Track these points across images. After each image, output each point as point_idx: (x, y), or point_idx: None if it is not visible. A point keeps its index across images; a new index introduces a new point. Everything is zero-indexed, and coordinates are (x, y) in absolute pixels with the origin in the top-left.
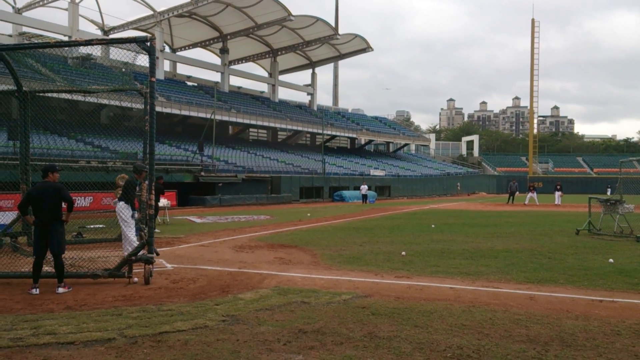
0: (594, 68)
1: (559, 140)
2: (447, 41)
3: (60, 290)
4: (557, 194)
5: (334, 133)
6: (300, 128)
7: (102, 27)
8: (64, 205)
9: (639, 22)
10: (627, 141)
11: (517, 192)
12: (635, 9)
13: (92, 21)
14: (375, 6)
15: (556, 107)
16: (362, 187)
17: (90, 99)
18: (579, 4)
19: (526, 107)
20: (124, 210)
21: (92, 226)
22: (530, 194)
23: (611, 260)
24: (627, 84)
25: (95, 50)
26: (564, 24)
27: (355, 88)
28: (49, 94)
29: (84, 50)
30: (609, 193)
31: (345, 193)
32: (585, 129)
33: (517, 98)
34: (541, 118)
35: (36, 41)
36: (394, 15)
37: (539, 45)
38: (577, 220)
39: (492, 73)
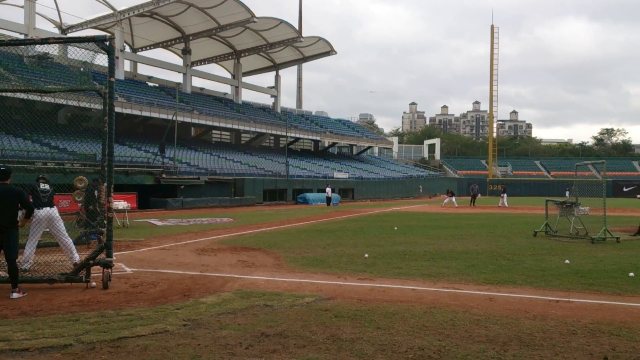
0: (546, 74)
1: (517, 144)
2: (404, 45)
3: (15, 295)
4: (503, 196)
5: (297, 135)
6: (263, 130)
7: (59, 26)
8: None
9: (587, 29)
10: (582, 145)
11: (479, 195)
12: (583, 17)
13: (50, 19)
14: (333, 9)
15: (515, 112)
16: (327, 189)
17: (47, 98)
18: (528, 10)
19: (486, 111)
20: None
21: (48, 229)
22: (449, 198)
23: (567, 261)
24: (579, 89)
25: (53, 49)
26: (515, 31)
27: (315, 90)
28: (4, 94)
29: (40, 48)
30: (567, 195)
31: (309, 195)
32: (540, 133)
33: (477, 102)
34: (500, 122)
35: None
36: (352, 19)
37: (498, 51)
38: (534, 222)
39: (449, 77)
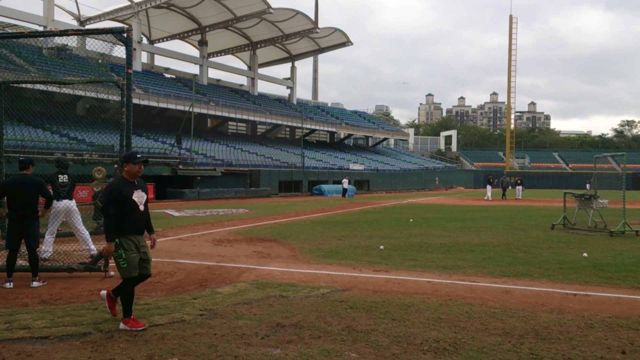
0: (562, 64)
1: (535, 135)
2: (416, 36)
3: (35, 284)
4: (518, 188)
5: (313, 127)
6: (279, 122)
7: (78, 18)
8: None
9: (603, 19)
10: (601, 137)
11: (509, 187)
12: (598, 7)
13: (68, 11)
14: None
15: (533, 103)
16: (343, 180)
17: (66, 90)
18: (542, 0)
19: (503, 102)
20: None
21: (66, 220)
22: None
23: (585, 254)
24: (596, 80)
25: (71, 41)
26: (529, 20)
27: (328, 82)
28: (24, 85)
29: (59, 40)
30: (588, 188)
31: (324, 187)
32: (558, 124)
33: (494, 94)
34: (518, 114)
35: (10, 31)
36: (363, 9)
37: (517, 41)
38: (552, 214)
39: (463, 68)
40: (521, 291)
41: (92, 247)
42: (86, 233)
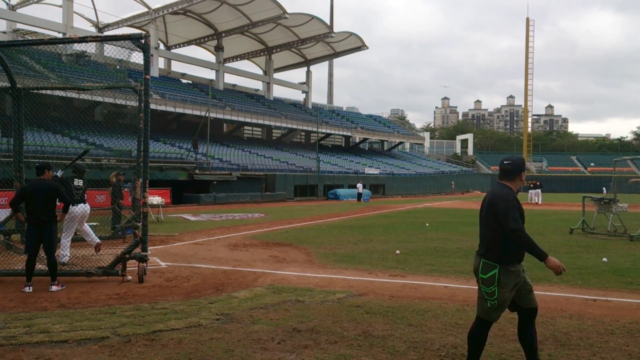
0: (574, 67)
1: (553, 139)
2: (425, 40)
3: (54, 288)
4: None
5: (328, 131)
6: (294, 126)
7: (96, 24)
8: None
9: (614, 21)
10: (620, 140)
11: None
12: (608, 9)
13: (87, 18)
14: (352, 3)
15: (550, 106)
16: (358, 185)
17: (85, 96)
18: (551, 2)
19: (520, 106)
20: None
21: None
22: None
23: (605, 259)
24: (610, 83)
25: (90, 48)
26: (539, 23)
27: (339, 86)
28: (43, 91)
29: (78, 47)
30: (604, 192)
31: (340, 191)
32: (574, 128)
33: (511, 97)
34: (535, 117)
35: (30, 38)
36: (371, 14)
37: (534, 44)
38: (570, 219)
39: (473, 71)
40: (540, 297)
41: (95, 238)
42: (87, 226)
